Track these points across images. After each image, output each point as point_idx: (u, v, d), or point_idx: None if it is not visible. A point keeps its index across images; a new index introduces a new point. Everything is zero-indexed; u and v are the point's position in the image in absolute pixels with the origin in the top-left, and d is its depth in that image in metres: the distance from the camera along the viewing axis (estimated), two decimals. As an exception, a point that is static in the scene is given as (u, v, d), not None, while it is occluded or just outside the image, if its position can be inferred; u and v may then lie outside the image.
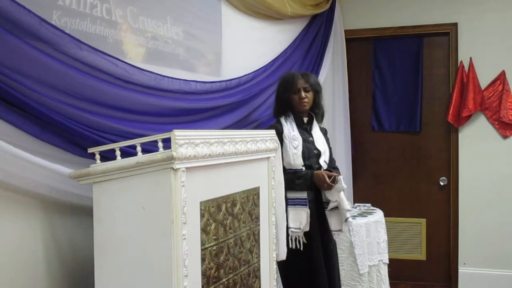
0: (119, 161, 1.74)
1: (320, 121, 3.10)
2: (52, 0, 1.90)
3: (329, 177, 2.82)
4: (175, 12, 2.62)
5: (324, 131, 3.14)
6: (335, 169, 3.09)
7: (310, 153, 2.92)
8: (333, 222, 2.94)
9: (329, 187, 2.83)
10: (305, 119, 3.03)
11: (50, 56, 1.84)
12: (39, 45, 1.80)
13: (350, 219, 2.99)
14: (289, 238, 2.75)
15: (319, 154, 2.96)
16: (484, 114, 4.61)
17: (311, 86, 2.98)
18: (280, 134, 2.79)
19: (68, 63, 1.91)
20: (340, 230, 2.97)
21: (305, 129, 2.99)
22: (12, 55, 1.69)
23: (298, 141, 2.88)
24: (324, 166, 2.96)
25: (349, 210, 2.96)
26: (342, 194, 2.90)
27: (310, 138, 2.98)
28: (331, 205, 2.90)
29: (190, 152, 1.70)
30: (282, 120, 2.97)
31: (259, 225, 2.25)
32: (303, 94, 2.95)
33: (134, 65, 2.23)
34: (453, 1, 4.66)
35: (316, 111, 3.05)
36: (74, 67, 1.93)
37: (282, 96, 2.99)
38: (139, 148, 1.75)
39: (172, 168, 1.65)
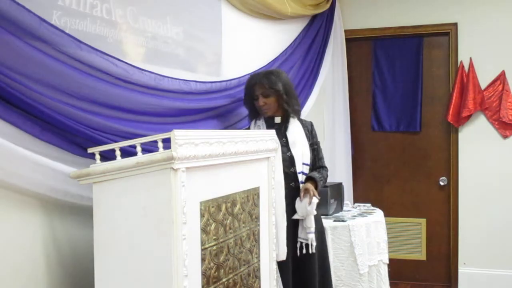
0: (119, 161, 1.74)
1: (297, 117, 2.89)
2: (52, 0, 1.90)
3: None
4: (175, 12, 2.62)
5: (309, 126, 2.97)
6: (322, 168, 2.95)
7: (282, 156, 2.63)
8: (300, 230, 2.81)
9: None
10: (278, 119, 2.85)
11: (50, 56, 1.83)
12: (39, 45, 1.80)
13: (311, 235, 2.77)
14: None
15: (291, 157, 2.77)
16: (484, 114, 4.61)
17: (270, 89, 2.76)
18: None
19: (68, 63, 1.90)
20: (306, 240, 2.79)
21: (277, 131, 2.67)
22: (12, 55, 1.69)
23: None
24: (304, 169, 2.81)
25: (310, 229, 2.77)
26: (311, 216, 2.75)
27: (283, 139, 2.78)
28: (295, 216, 2.77)
29: (190, 152, 1.70)
30: (252, 124, 2.87)
31: (259, 225, 2.25)
32: (261, 101, 2.78)
33: (134, 65, 2.23)
34: (453, 1, 4.66)
35: (287, 110, 2.82)
36: (74, 67, 1.93)
37: (246, 103, 2.87)
38: (139, 148, 1.74)
39: (172, 168, 1.65)
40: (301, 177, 2.80)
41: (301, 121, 2.94)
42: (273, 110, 2.83)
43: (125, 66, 2.16)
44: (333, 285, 3.12)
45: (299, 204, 2.76)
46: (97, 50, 2.03)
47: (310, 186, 2.76)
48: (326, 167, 3.01)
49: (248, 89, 2.84)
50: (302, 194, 2.75)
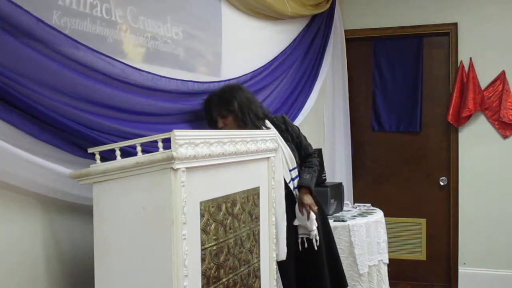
0: (119, 161, 1.74)
1: (264, 126, 2.70)
2: (52, 0, 1.90)
3: None
4: (175, 12, 2.62)
5: (281, 123, 2.82)
6: (310, 157, 2.88)
7: None
8: (300, 227, 2.81)
9: None
10: None
11: (47, 56, 1.83)
12: (36, 45, 1.79)
13: (315, 232, 2.78)
14: None
15: None
16: (484, 114, 4.61)
17: (226, 108, 2.60)
18: None
19: (65, 63, 1.90)
20: (308, 235, 2.79)
21: None
22: (10, 55, 1.69)
23: None
24: (293, 175, 2.75)
25: (313, 230, 2.77)
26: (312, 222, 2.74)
27: None
28: (296, 222, 2.77)
29: (190, 152, 1.70)
30: None
31: (259, 225, 2.25)
32: (220, 123, 2.62)
33: (131, 65, 2.22)
34: (453, 1, 4.66)
35: (248, 126, 2.60)
36: (71, 67, 1.92)
37: (210, 126, 2.70)
38: (139, 148, 1.74)
39: (172, 168, 1.65)
40: (292, 185, 2.78)
41: (272, 122, 2.80)
42: (235, 129, 2.60)
43: (122, 67, 2.16)
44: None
45: (299, 216, 2.77)
46: (94, 51, 2.02)
47: (306, 199, 2.74)
48: (313, 153, 2.93)
49: (206, 114, 2.69)
50: (300, 208, 2.75)
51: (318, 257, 2.86)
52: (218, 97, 2.65)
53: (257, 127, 2.67)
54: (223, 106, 2.61)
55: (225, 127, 2.62)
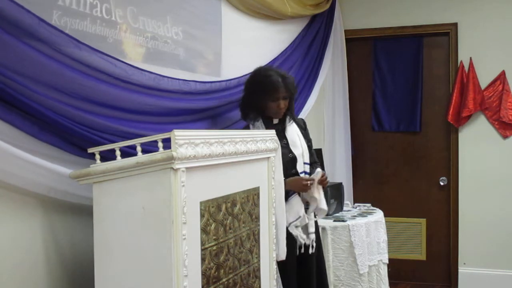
0: (119, 161, 1.74)
1: (291, 119, 2.87)
2: (52, 0, 1.91)
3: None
4: (175, 12, 2.62)
5: (302, 124, 2.96)
6: (316, 163, 2.96)
7: (284, 157, 2.57)
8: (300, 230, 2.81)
9: (305, 188, 2.68)
10: (276, 120, 2.80)
11: (49, 56, 1.83)
12: (38, 45, 1.79)
13: (312, 235, 2.81)
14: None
15: (294, 158, 2.76)
16: (484, 114, 4.61)
17: (289, 92, 2.74)
18: None
19: (67, 63, 1.90)
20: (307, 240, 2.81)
21: (276, 132, 2.50)
22: (11, 55, 1.69)
23: None
24: (305, 168, 2.79)
25: (325, 211, 2.82)
26: (321, 195, 2.77)
27: (284, 141, 2.74)
28: (295, 223, 2.75)
29: (190, 152, 1.70)
30: (250, 126, 2.76)
31: (259, 225, 2.25)
32: (282, 104, 2.72)
33: (133, 65, 2.22)
34: (453, 1, 4.67)
35: (289, 114, 2.82)
36: (73, 67, 1.93)
37: (257, 101, 2.73)
38: (139, 148, 1.74)
39: (172, 168, 1.65)
40: None
41: (294, 120, 2.93)
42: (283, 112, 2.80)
43: (124, 66, 2.16)
44: (331, 285, 3.13)
45: (308, 195, 2.75)
46: (96, 50, 2.03)
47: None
48: (317, 162, 3.03)
49: (269, 89, 2.69)
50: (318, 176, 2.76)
51: (311, 266, 2.86)
52: (286, 79, 2.74)
53: (292, 114, 2.85)
54: (292, 88, 2.74)
55: (283, 108, 2.75)
